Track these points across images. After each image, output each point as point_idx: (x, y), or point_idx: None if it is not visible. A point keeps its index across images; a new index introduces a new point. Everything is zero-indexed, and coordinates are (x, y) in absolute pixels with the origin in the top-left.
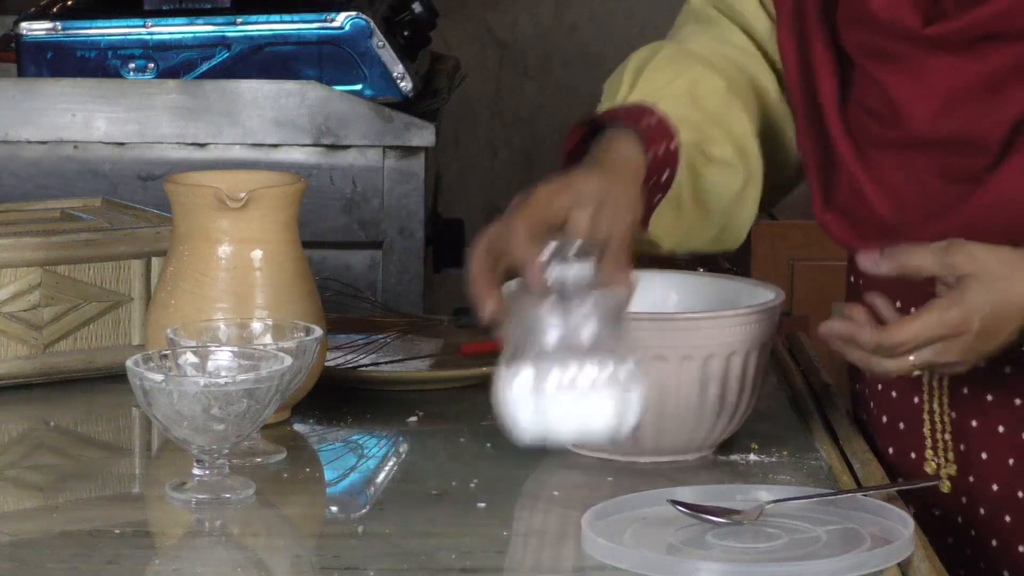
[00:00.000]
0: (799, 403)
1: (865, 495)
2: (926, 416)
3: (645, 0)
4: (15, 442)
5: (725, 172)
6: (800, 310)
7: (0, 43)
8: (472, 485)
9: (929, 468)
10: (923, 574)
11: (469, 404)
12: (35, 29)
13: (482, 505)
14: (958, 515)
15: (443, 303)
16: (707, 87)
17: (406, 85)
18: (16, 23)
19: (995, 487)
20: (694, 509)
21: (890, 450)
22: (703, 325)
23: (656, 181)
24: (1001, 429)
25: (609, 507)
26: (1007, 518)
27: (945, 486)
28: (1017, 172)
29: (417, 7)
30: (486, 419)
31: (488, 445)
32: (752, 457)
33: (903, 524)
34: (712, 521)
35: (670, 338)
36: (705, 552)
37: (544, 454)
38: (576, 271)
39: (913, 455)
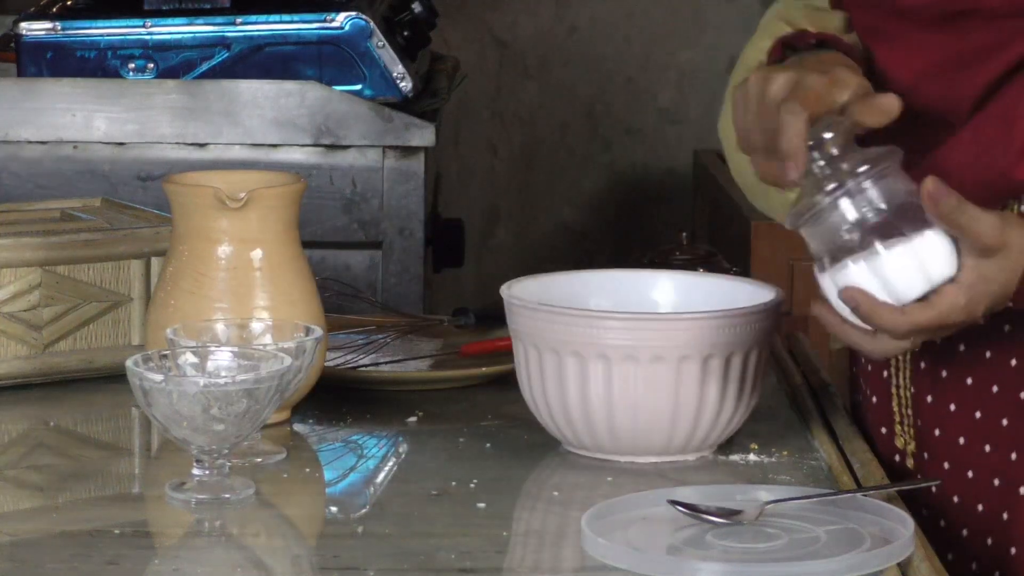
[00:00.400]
0: (799, 403)
1: (865, 495)
2: (893, 391)
3: (645, 1)
4: (15, 442)
5: None
6: (800, 310)
7: (0, 43)
8: (472, 485)
9: (898, 443)
10: (923, 574)
11: (469, 404)
12: (35, 29)
13: (482, 505)
14: (917, 493)
15: (443, 303)
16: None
17: (406, 85)
18: (16, 23)
19: (946, 465)
20: (694, 509)
21: (871, 426)
22: (703, 325)
23: None
24: (952, 407)
25: (609, 507)
26: (955, 499)
27: (909, 462)
28: (952, 148)
29: (417, 7)
30: (486, 419)
31: (488, 445)
32: (752, 457)
33: (903, 524)
34: (712, 521)
35: (670, 338)
36: (705, 552)
37: (544, 454)
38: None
39: (884, 430)
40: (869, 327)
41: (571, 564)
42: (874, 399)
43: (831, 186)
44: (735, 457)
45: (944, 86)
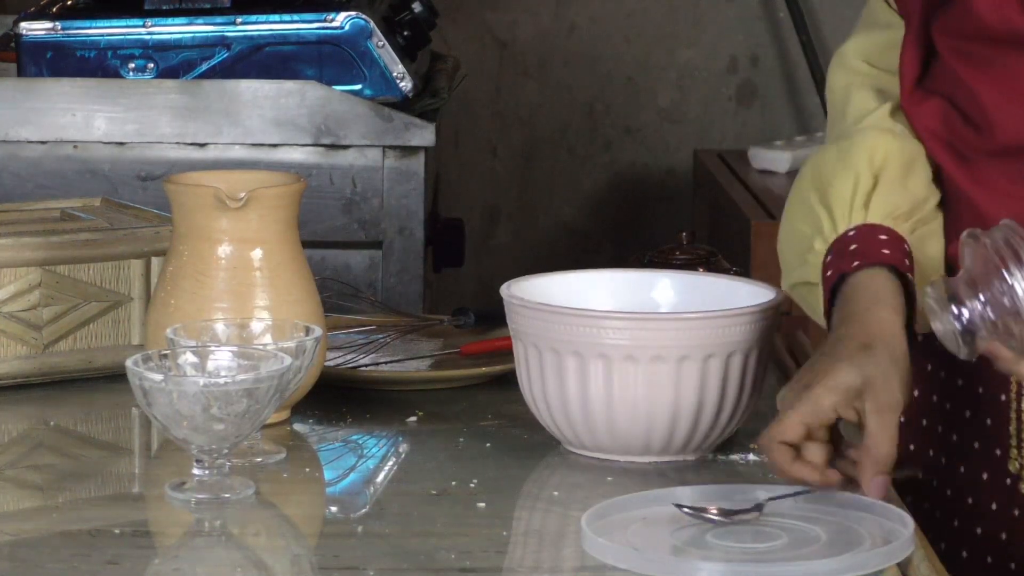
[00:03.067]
0: None
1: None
2: (1012, 415)
3: (645, 1)
4: (15, 442)
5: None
6: (800, 310)
7: (0, 43)
8: (472, 485)
9: (1012, 467)
10: (923, 574)
11: (469, 404)
12: (35, 29)
13: (482, 505)
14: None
15: (443, 303)
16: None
17: (406, 85)
18: (16, 23)
19: None
20: (695, 510)
21: (976, 445)
22: (703, 325)
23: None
24: None
25: (609, 507)
26: None
27: (1023, 486)
28: None
29: (417, 7)
30: (486, 419)
31: (488, 445)
32: (752, 457)
33: (903, 524)
34: (712, 521)
35: (670, 338)
36: (705, 552)
37: (544, 454)
38: None
39: (999, 452)
40: None
41: (571, 564)
42: (988, 421)
43: None
44: (735, 457)
45: None
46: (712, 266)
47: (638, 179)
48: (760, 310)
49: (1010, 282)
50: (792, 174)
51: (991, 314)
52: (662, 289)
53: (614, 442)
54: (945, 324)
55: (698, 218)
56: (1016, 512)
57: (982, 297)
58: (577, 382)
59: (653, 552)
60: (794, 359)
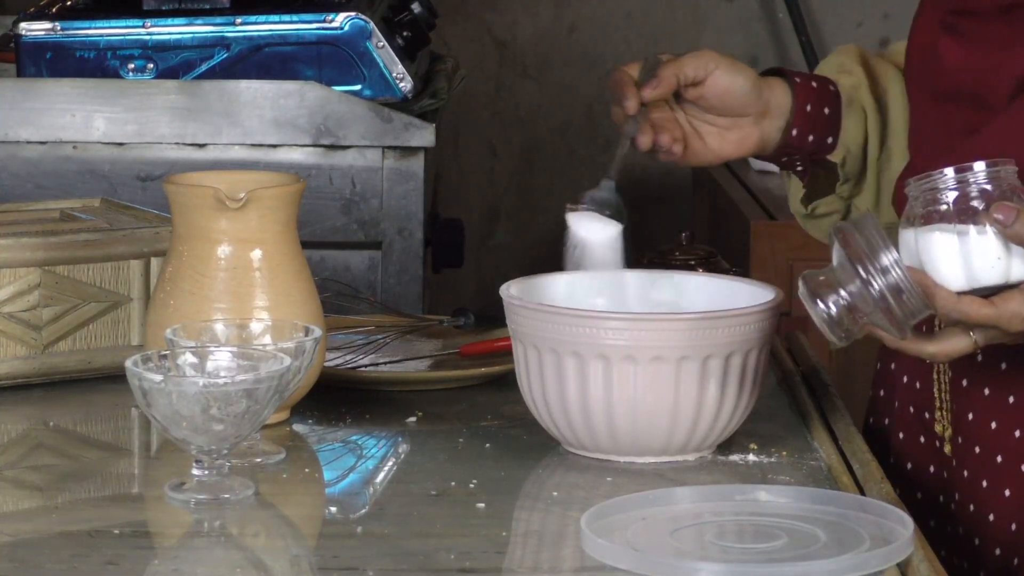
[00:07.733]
0: (799, 403)
1: (865, 495)
2: (935, 376)
3: (645, 1)
4: (15, 442)
5: None
6: (800, 310)
7: (0, 43)
8: (472, 485)
9: (938, 429)
10: (923, 574)
11: (469, 404)
12: (34, 29)
13: (482, 505)
14: (948, 473)
15: (443, 303)
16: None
17: (405, 85)
18: (15, 23)
19: (977, 450)
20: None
21: (911, 409)
22: (703, 325)
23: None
24: (987, 391)
25: (609, 507)
26: (984, 483)
27: (947, 448)
28: (990, 133)
29: (417, 7)
30: (486, 419)
31: (488, 445)
32: (752, 457)
33: (903, 524)
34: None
35: (670, 338)
36: (705, 552)
37: (544, 454)
38: None
39: (927, 415)
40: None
41: (571, 564)
42: (917, 384)
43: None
44: (735, 457)
45: (991, 68)
46: (712, 266)
47: (637, 180)
48: (760, 310)
49: (865, 277)
50: None
51: (855, 308)
52: (662, 289)
53: (614, 442)
54: (816, 316)
55: (698, 218)
56: (945, 474)
57: (843, 293)
58: (577, 382)
59: (653, 552)
60: (794, 359)
